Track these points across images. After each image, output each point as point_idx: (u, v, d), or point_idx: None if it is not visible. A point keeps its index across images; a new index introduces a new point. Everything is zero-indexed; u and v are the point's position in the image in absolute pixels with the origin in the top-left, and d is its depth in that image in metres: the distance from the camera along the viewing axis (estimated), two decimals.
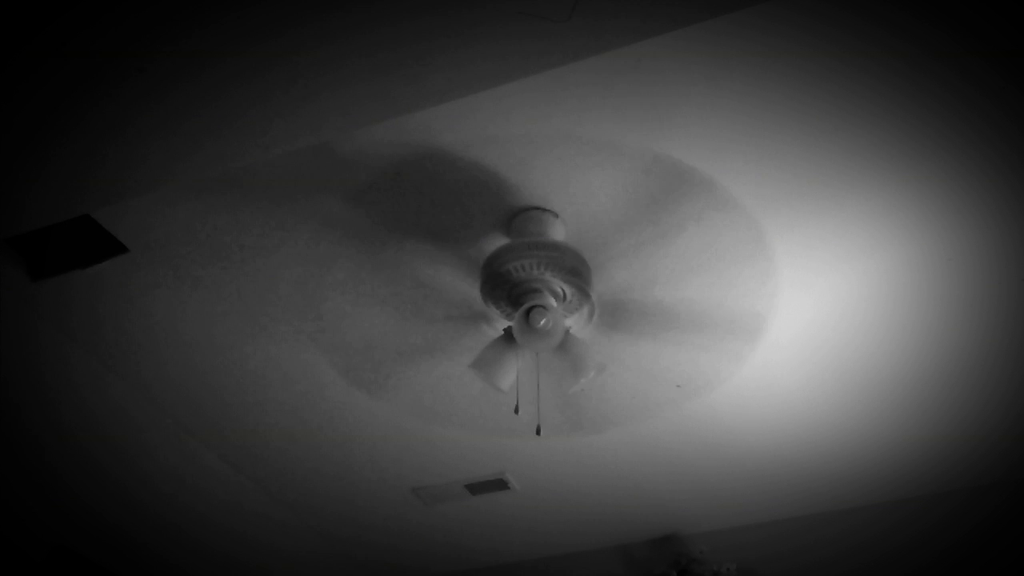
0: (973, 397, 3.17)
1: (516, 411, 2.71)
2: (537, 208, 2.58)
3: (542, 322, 2.46)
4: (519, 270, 2.51)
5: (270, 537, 3.90)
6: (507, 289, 2.56)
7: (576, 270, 2.54)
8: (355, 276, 2.80)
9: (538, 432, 2.73)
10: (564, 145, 2.39)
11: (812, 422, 3.33)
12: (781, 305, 2.84)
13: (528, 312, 2.49)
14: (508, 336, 2.63)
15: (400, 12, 1.66)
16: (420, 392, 3.26)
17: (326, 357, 3.11)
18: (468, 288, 2.76)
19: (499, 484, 3.76)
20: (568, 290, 2.57)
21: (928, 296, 2.79)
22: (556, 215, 2.59)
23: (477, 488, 3.79)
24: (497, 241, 2.64)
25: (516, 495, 3.84)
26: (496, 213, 2.60)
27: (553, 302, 2.54)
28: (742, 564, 3.79)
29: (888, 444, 3.42)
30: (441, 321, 2.93)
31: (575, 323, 2.72)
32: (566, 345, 2.59)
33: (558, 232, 2.59)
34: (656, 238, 2.63)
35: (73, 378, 3.08)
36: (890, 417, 3.28)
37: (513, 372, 2.66)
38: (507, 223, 2.62)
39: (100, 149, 1.94)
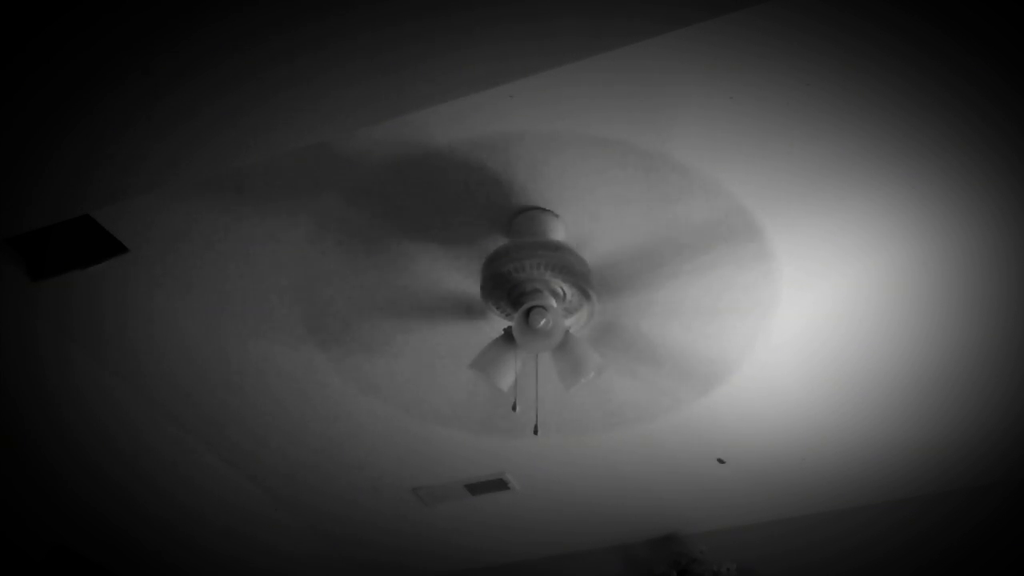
0: (973, 397, 3.17)
1: (514, 408, 2.71)
2: (537, 208, 2.58)
3: (542, 322, 2.46)
4: (519, 270, 2.51)
5: (270, 537, 3.90)
6: (507, 289, 2.56)
7: (576, 270, 2.54)
8: (355, 275, 2.80)
9: (535, 432, 2.73)
10: (564, 145, 2.39)
11: (812, 422, 3.33)
12: (781, 305, 2.84)
13: (528, 312, 2.49)
14: (508, 336, 2.63)
15: (400, 13, 1.66)
16: (420, 392, 3.26)
17: (326, 357, 3.11)
18: (468, 288, 2.76)
19: (499, 484, 3.76)
20: (568, 290, 2.57)
21: (928, 296, 2.79)
22: (556, 215, 2.59)
23: (477, 488, 3.79)
24: (497, 241, 2.64)
25: (516, 495, 3.84)
26: (496, 213, 2.60)
27: (553, 302, 2.54)
28: (742, 564, 3.78)
29: (888, 444, 3.42)
30: (441, 321, 2.92)
31: (575, 323, 2.72)
32: (566, 345, 2.59)
33: (558, 232, 2.59)
34: (657, 237, 2.64)
35: (73, 378, 3.08)
36: (890, 417, 3.28)
37: (513, 372, 2.66)
38: (507, 223, 2.62)
39: (100, 149, 1.94)
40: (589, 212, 2.58)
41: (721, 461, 2.26)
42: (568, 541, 4.15)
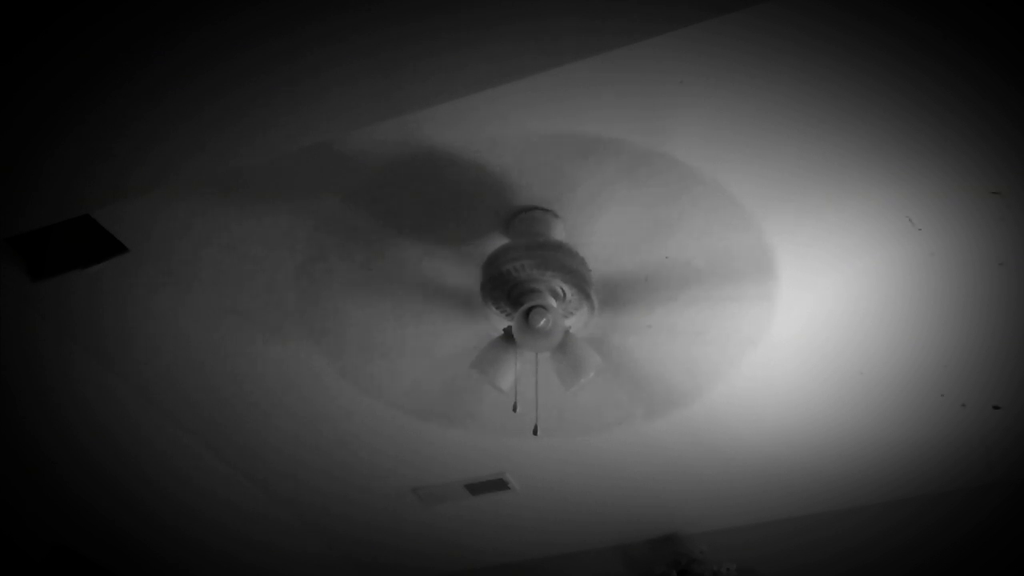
0: (973, 397, 3.17)
1: (515, 409, 2.71)
2: (537, 208, 2.58)
3: (542, 322, 2.47)
4: (519, 270, 2.51)
5: (270, 537, 3.90)
6: (507, 289, 2.56)
7: (576, 270, 2.54)
8: (355, 276, 2.80)
9: (535, 432, 2.73)
10: (564, 145, 2.39)
11: (812, 421, 3.32)
12: (781, 305, 2.84)
13: (528, 312, 2.49)
14: (508, 336, 2.63)
15: (400, 12, 1.66)
16: (420, 392, 3.26)
17: (326, 357, 3.11)
18: (468, 288, 2.76)
19: (499, 484, 3.76)
20: (568, 290, 2.57)
21: (928, 295, 2.79)
22: (556, 215, 2.59)
23: (477, 488, 3.79)
24: (497, 241, 2.64)
25: (516, 495, 3.84)
26: (496, 213, 2.60)
27: (553, 302, 2.54)
28: (742, 564, 3.78)
29: (888, 444, 3.42)
30: (441, 321, 2.93)
31: (575, 323, 2.72)
32: (565, 345, 2.59)
33: (558, 232, 2.59)
34: (657, 237, 2.64)
35: (73, 378, 3.08)
36: (890, 416, 3.28)
37: (513, 372, 2.66)
38: (507, 223, 2.62)
39: (100, 149, 1.94)
40: (588, 211, 2.58)
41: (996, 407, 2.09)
42: (568, 541, 4.15)
